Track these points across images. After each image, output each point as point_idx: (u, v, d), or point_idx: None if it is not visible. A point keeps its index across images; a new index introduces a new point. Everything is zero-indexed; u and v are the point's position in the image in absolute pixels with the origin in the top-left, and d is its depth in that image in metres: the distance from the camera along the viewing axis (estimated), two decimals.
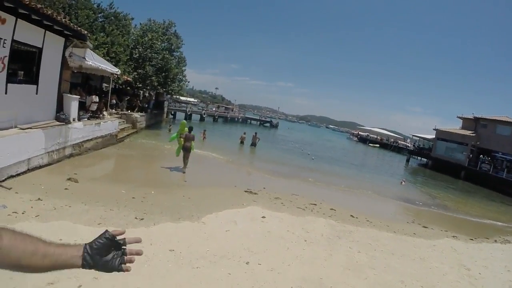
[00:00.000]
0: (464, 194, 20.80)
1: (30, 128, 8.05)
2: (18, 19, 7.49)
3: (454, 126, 38.61)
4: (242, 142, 22.86)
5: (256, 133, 22.60)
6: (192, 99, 79.79)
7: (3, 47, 7.17)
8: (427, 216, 10.76)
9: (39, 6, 8.11)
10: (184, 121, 12.77)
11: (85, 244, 0.99)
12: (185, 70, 29.26)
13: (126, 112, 19.63)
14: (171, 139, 11.94)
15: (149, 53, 25.61)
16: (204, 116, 46.33)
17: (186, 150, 11.22)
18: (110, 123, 13.66)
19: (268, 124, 66.98)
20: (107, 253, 1.01)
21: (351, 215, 8.57)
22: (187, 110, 43.29)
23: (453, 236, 8.01)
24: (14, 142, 7.22)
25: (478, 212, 14.39)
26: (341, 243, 6.21)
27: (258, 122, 66.67)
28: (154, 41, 25.92)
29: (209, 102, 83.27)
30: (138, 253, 1.06)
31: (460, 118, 38.05)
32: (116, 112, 18.12)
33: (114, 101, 18.77)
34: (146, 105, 25.59)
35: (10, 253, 0.84)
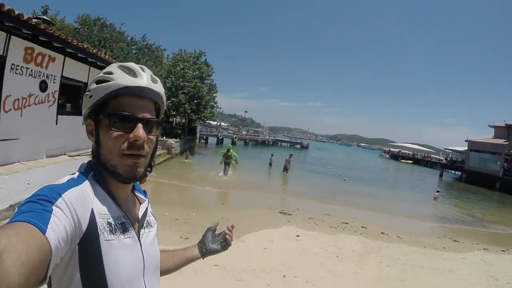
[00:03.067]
0: (499, 206, 20.15)
1: (78, 155, 8.93)
2: (66, 58, 8.30)
3: (487, 136, 37.27)
4: (270, 164, 23.25)
5: (290, 155, 22.11)
6: (222, 123, 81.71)
7: (54, 82, 7.96)
8: (458, 230, 10.74)
9: (85, 46, 9.01)
10: (229, 145, 18.14)
11: (198, 242, 1.37)
12: (216, 96, 30.07)
13: (161, 139, 20.72)
14: (220, 153, 17.25)
15: (181, 82, 26.61)
16: (235, 140, 47.33)
17: (226, 164, 16.46)
18: None
19: (298, 146, 67.26)
20: (213, 240, 1.37)
21: (381, 232, 8.78)
22: (219, 135, 44.40)
23: (484, 249, 8.03)
24: (65, 167, 7.97)
25: None
26: (371, 258, 6.52)
27: (289, 144, 67.25)
28: (186, 70, 27.00)
29: (240, 126, 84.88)
30: (231, 229, 1.39)
31: (492, 126, 36.71)
32: None
33: None
34: (180, 131, 26.79)
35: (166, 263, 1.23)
